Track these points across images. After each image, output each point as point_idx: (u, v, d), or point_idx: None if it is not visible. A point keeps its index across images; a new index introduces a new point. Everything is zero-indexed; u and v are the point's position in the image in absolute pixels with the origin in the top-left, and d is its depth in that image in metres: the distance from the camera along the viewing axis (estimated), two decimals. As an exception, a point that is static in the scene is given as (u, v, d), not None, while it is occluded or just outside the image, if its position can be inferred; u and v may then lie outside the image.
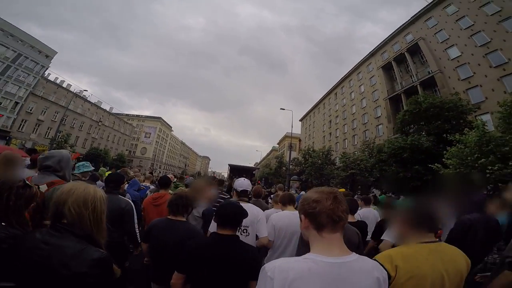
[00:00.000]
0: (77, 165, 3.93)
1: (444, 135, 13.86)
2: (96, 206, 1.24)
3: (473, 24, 22.51)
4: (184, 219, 2.41)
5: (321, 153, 30.91)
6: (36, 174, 2.31)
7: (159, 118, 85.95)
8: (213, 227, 2.45)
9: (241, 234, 2.50)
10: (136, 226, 2.89)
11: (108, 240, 1.64)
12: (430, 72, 25.94)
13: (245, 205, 2.45)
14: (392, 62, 31.35)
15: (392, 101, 30.50)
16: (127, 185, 4.61)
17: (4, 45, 33.30)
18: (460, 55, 23.08)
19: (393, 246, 2.40)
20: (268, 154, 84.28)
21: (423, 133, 14.87)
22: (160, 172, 64.76)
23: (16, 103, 34.86)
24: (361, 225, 3.24)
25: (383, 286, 1.02)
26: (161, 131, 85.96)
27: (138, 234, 2.87)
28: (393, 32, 32.40)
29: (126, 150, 63.48)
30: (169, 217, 2.38)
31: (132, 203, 2.91)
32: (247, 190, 3.00)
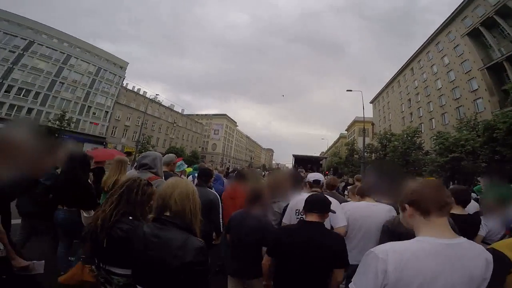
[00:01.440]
0: (177, 164, 4.52)
1: None
2: (195, 198, 1.38)
3: None
4: (258, 211, 2.44)
5: (405, 135, 27.19)
6: (136, 172, 2.70)
7: (225, 115, 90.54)
8: (286, 219, 2.67)
9: None
10: (221, 216, 3.11)
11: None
12: None
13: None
14: (480, 27, 27.28)
15: (492, 71, 26.63)
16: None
17: (85, 61, 38.96)
18: None
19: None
20: (335, 142, 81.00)
21: None
22: (230, 166, 67.39)
23: (106, 112, 41.06)
24: (473, 219, 2.61)
25: (490, 268, 1.07)
26: (228, 127, 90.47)
27: (222, 224, 3.09)
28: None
29: (199, 147, 68.92)
30: (245, 209, 2.51)
31: (218, 196, 3.19)
32: (320, 180, 2.98)
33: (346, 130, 70.93)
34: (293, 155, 22.75)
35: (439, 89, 34.39)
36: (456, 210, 2.43)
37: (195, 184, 3.20)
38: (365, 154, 29.15)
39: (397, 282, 0.99)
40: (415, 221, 1.14)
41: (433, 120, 34.95)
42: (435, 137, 21.92)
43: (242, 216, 2.44)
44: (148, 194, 1.59)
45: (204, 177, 3.36)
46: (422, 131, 32.91)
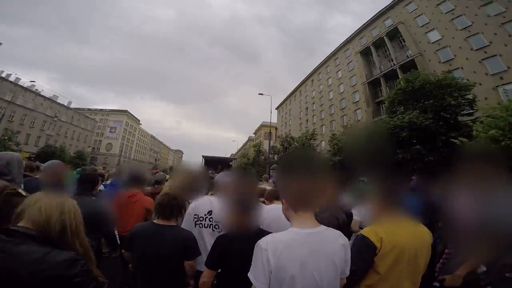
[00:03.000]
0: None
1: (442, 113, 13.43)
2: (71, 212, 1.19)
3: (454, 9, 22.66)
4: (175, 224, 2.07)
5: (304, 138, 29.22)
6: None
7: (125, 111, 79.06)
8: (185, 225, 2.24)
9: (213, 230, 2.26)
10: (114, 228, 2.71)
11: None
12: (409, 55, 26.23)
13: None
14: (371, 46, 31.25)
15: (371, 86, 30.66)
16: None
17: None
18: (441, 38, 23.25)
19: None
20: (244, 144, 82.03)
21: (416, 111, 14.08)
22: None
23: None
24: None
25: (348, 251, 1.29)
26: (128, 125, 79.60)
27: (117, 236, 2.70)
28: (372, 17, 32.23)
29: (89, 146, 57.98)
30: (156, 222, 2.03)
31: (108, 205, 2.76)
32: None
33: (254, 134, 73.48)
34: (203, 156, 22.34)
35: (330, 99, 38.09)
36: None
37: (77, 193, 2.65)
38: (270, 155, 30.51)
39: (277, 269, 1.15)
40: (289, 214, 1.34)
41: (323, 126, 38.25)
42: (330, 139, 23.53)
43: (151, 229, 1.98)
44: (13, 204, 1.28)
45: (87, 183, 2.72)
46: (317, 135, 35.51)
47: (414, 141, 13.44)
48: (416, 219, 1.64)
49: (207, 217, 2.27)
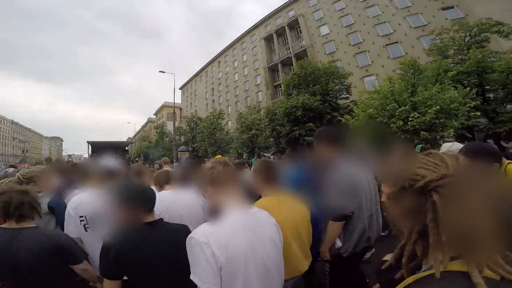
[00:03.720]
0: None
1: (326, 96, 16.09)
2: None
3: (344, 8, 26.48)
4: (35, 225, 1.59)
5: (212, 117, 29.02)
6: None
7: None
8: (71, 231, 1.81)
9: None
10: None
11: None
12: (303, 46, 29.53)
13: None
14: (274, 34, 33.47)
15: (270, 70, 33.18)
16: None
17: None
18: (329, 33, 26.98)
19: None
20: (143, 126, 74.59)
21: (307, 94, 16.38)
22: None
23: None
24: None
25: (280, 232, 1.28)
26: None
27: None
28: (278, 7, 34.36)
29: None
30: (5, 226, 1.53)
31: None
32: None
33: (154, 115, 68.65)
34: (88, 142, 18.07)
35: (235, 81, 39.39)
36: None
37: None
38: (176, 137, 27.98)
39: (228, 261, 1.01)
40: (217, 198, 1.21)
41: (229, 107, 39.41)
42: (238, 117, 23.59)
43: (5, 237, 1.47)
44: None
45: None
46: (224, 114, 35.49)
47: (306, 119, 15.64)
48: (299, 191, 1.76)
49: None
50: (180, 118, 49.99)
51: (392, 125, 10.44)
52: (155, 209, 1.52)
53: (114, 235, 1.36)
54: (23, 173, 2.30)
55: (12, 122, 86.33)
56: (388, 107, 10.77)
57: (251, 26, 38.57)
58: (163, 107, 60.62)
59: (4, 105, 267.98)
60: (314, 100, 15.39)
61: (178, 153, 21.44)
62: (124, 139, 57.88)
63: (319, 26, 28.36)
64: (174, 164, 10.41)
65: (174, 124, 26.91)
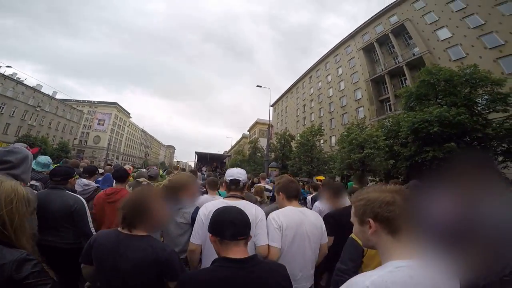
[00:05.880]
0: (38, 160, 3.69)
1: (475, 107, 12.68)
2: (13, 203, 1.02)
3: (465, 7, 22.21)
4: (145, 233, 1.51)
5: (308, 133, 25.99)
6: None
7: (115, 103, 75.91)
8: (199, 234, 1.92)
9: None
10: (91, 225, 2.55)
11: (63, 242, 2.32)
12: (415, 54, 25.81)
13: (237, 203, 1.87)
14: (375, 43, 30.68)
15: (374, 83, 30.09)
16: (82, 179, 3.65)
17: None
18: (451, 36, 22.79)
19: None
20: (238, 141, 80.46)
21: (444, 106, 12.93)
22: (121, 164, 58.71)
23: None
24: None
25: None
26: (118, 117, 76.63)
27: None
28: (376, 14, 31.66)
29: (75, 139, 55.37)
30: (121, 230, 1.51)
31: (82, 200, 2.58)
32: (239, 180, 2.18)
33: (248, 131, 72.57)
34: (196, 152, 21.43)
35: (330, 96, 37.34)
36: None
37: (48, 187, 2.69)
38: (265, 152, 28.03)
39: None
40: (381, 240, 1.00)
41: (322, 124, 37.21)
42: (346, 133, 20.07)
43: (112, 238, 1.50)
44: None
45: (57, 177, 2.60)
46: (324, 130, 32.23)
47: (444, 138, 12.34)
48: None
49: None
50: (270, 135, 50.82)
51: None
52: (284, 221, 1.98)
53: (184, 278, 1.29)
54: (173, 179, 2.46)
55: (142, 131, 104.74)
56: None
57: (345, 36, 36.45)
58: (256, 123, 63.60)
59: (138, 116, 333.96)
60: (457, 113, 12.01)
61: (269, 169, 21.53)
62: (221, 151, 63.62)
63: (435, 30, 24.40)
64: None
65: (268, 139, 27.35)
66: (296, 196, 2.24)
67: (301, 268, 1.94)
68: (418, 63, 24.06)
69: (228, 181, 2.19)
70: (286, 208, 2.10)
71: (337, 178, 21.32)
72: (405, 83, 25.37)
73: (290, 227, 1.95)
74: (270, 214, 2.04)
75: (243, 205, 1.91)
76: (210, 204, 2.04)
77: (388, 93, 28.02)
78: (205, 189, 3.96)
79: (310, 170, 23.35)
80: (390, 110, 27.13)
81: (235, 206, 1.40)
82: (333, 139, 33.44)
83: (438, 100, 14.38)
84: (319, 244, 2.06)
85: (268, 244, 1.87)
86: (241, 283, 1.17)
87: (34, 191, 2.58)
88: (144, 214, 1.50)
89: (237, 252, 1.23)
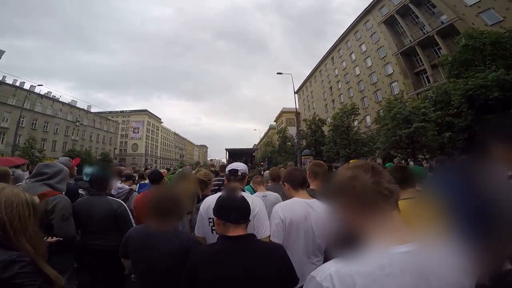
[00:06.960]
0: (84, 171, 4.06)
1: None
2: (12, 207, 1.05)
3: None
4: (171, 228, 1.77)
5: (342, 113, 25.43)
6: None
7: (145, 110, 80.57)
8: (198, 231, 2.09)
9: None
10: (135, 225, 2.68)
11: (106, 245, 2.43)
12: (443, 22, 25.65)
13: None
14: (396, 15, 30.52)
15: (404, 56, 29.87)
16: (117, 183, 4.05)
17: None
18: (479, 1, 22.70)
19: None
20: (266, 133, 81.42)
21: (500, 69, 12.42)
22: (157, 168, 62.05)
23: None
24: None
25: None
26: (150, 124, 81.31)
27: None
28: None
29: (115, 148, 59.45)
30: (150, 224, 1.77)
31: (124, 204, 2.72)
32: (237, 170, 2.31)
33: (274, 121, 72.71)
34: (226, 149, 22.77)
35: (357, 75, 37.20)
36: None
37: (90, 193, 2.90)
38: (296, 141, 28.18)
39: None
40: (360, 222, 0.84)
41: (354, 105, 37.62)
42: (387, 107, 18.62)
43: (144, 235, 1.71)
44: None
45: (96, 184, 2.80)
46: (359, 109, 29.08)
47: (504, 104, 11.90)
48: None
49: None
50: (299, 122, 51.30)
51: None
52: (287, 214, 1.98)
53: (195, 251, 1.51)
54: (203, 174, 2.83)
55: (175, 134, 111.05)
56: None
57: (361, 12, 36.18)
58: (282, 113, 64.53)
59: (168, 120, 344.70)
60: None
61: (302, 157, 21.38)
62: (251, 145, 66.73)
63: (460, -5, 24.06)
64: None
65: (297, 127, 27.05)
66: (303, 185, 2.20)
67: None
68: (450, 31, 24.20)
69: (227, 173, 2.34)
70: (292, 200, 2.10)
71: (379, 160, 19.60)
72: (440, 52, 25.50)
73: (293, 222, 1.95)
74: (275, 206, 2.10)
75: None
76: (209, 198, 2.15)
77: (422, 64, 27.93)
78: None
79: (348, 154, 22.64)
80: (429, 81, 26.91)
81: (239, 195, 1.55)
82: (368, 119, 33.53)
83: (487, 65, 13.94)
84: None
85: (269, 237, 1.92)
86: (232, 253, 1.34)
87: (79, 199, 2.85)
88: (171, 208, 1.73)
89: (236, 232, 1.40)
